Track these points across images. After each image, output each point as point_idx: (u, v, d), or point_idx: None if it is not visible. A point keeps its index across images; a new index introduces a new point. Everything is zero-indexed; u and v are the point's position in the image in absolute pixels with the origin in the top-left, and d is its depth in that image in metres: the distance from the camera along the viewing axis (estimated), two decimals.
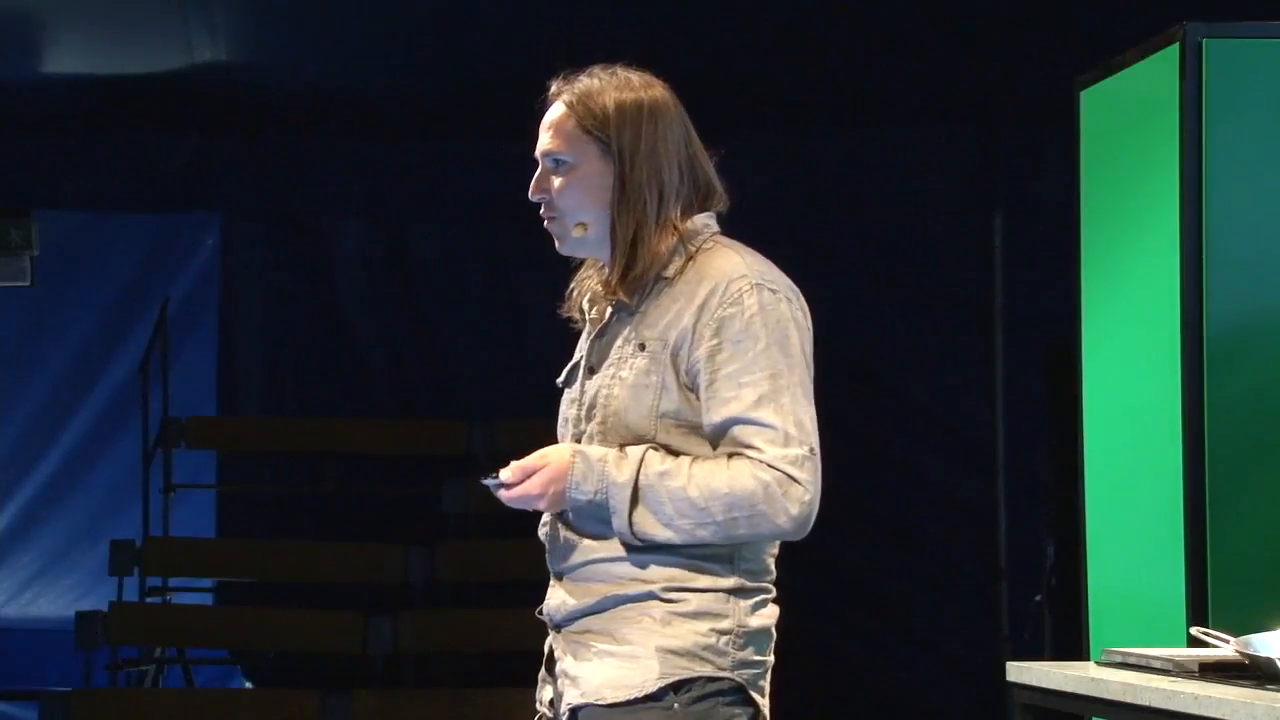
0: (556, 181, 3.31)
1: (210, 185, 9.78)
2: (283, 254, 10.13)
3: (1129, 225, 5.03)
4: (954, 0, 7.77)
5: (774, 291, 3.23)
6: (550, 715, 3.35)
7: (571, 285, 3.43)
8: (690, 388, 3.21)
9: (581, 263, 3.42)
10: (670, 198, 3.28)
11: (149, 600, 9.69)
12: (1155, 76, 4.84)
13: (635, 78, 3.34)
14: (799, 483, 3.15)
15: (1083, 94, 5.26)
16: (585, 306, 3.38)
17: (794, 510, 3.15)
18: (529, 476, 3.22)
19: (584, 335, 3.41)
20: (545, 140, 3.33)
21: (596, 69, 3.35)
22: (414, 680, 9.23)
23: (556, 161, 3.31)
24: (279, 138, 9.64)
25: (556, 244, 3.36)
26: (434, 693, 8.94)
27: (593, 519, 3.24)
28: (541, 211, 3.35)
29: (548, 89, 3.37)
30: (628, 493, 3.17)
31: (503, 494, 3.24)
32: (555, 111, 3.33)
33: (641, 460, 3.18)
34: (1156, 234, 4.81)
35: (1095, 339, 5.20)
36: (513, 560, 9.06)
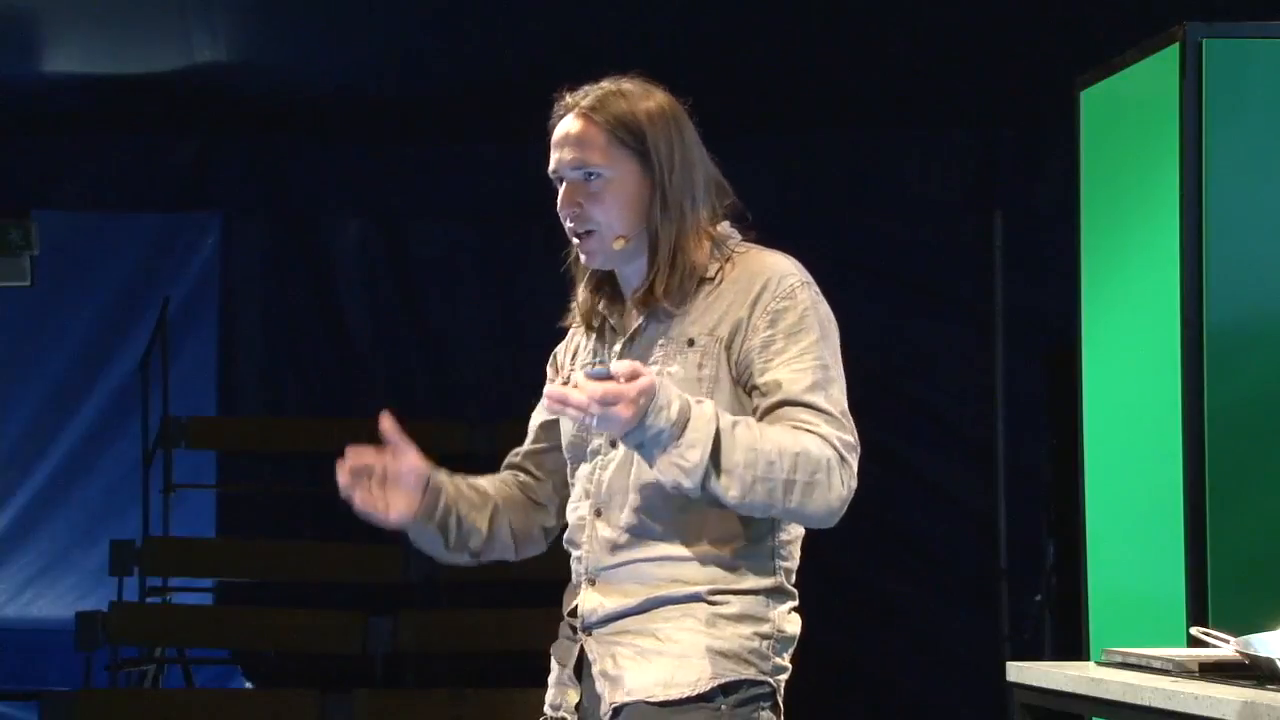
0: (592, 195, 3.26)
1: (210, 185, 9.78)
2: (283, 254, 10.13)
3: (1129, 225, 5.03)
4: (954, 1, 7.76)
5: (818, 293, 3.26)
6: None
7: (579, 293, 3.38)
8: (739, 381, 3.21)
9: (574, 273, 3.38)
10: (701, 203, 3.29)
11: (149, 600, 9.69)
12: (1155, 76, 4.84)
13: (638, 87, 3.31)
14: (849, 466, 3.16)
15: (1083, 94, 5.26)
16: (604, 310, 3.35)
17: (843, 491, 3.15)
18: (634, 379, 3.00)
19: (583, 345, 3.39)
20: (573, 154, 3.26)
21: (605, 81, 3.31)
22: (414, 680, 9.22)
23: (589, 175, 3.25)
24: (279, 138, 9.64)
25: (585, 258, 3.29)
26: (434, 693, 8.93)
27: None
28: (572, 226, 3.28)
29: (556, 101, 3.31)
30: (713, 427, 3.03)
31: (593, 388, 2.96)
32: (576, 125, 3.27)
33: (715, 409, 3.10)
34: (1156, 234, 4.82)
35: (1095, 339, 5.20)
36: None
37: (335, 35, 8.36)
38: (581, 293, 3.38)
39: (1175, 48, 4.73)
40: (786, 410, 3.14)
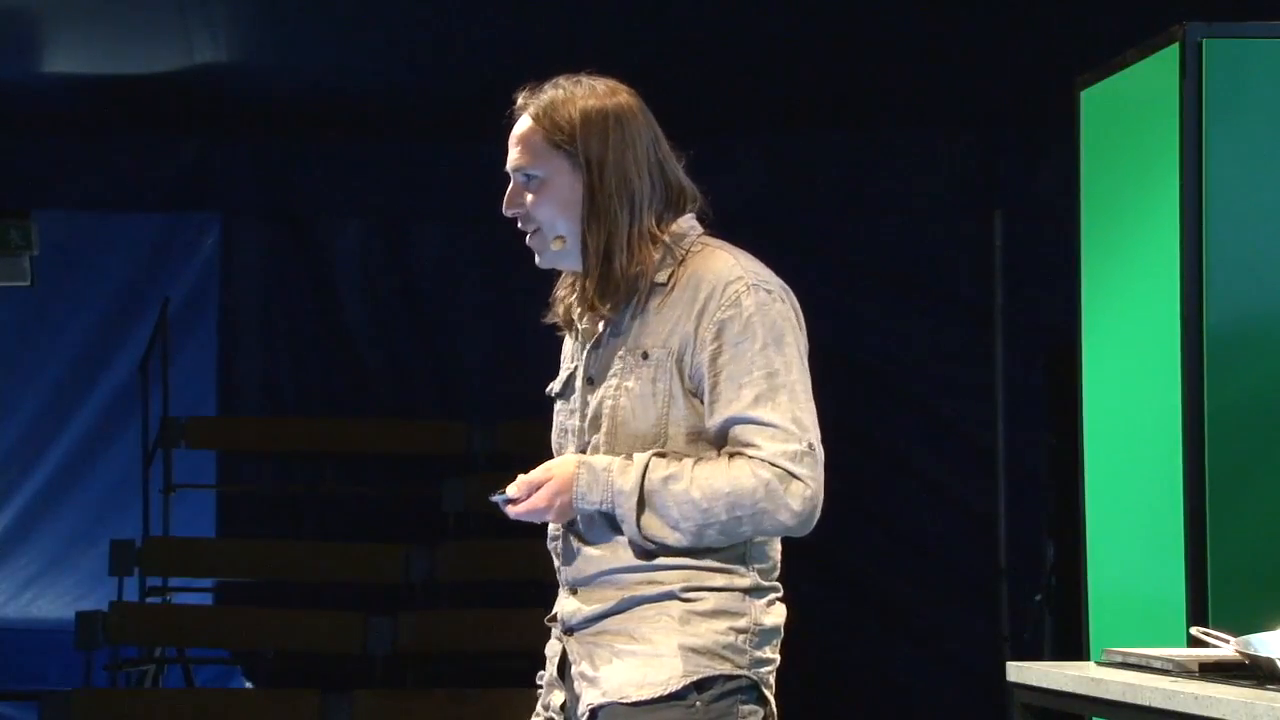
0: (530, 196, 3.30)
1: (210, 185, 9.78)
2: (283, 254, 10.13)
3: (1129, 225, 5.03)
4: (954, 1, 7.76)
5: (769, 291, 3.23)
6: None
7: (557, 291, 3.40)
8: (695, 394, 3.22)
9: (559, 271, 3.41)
10: (642, 205, 3.26)
11: (149, 600, 9.69)
12: (1155, 76, 4.84)
13: (600, 85, 3.31)
14: (799, 478, 3.16)
15: (1083, 94, 5.26)
16: (575, 316, 3.37)
17: (796, 506, 3.16)
18: (535, 490, 3.23)
19: (572, 344, 3.40)
20: (514, 155, 3.31)
21: (561, 79, 3.32)
22: (414, 680, 9.23)
23: (527, 177, 3.30)
24: (279, 138, 9.64)
25: (537, 258, 3.35)
26: (434, 693, 8.93)
27: (604, 530, 3.24)
28: (519, 226, 3.33)
29: (513, 101, 3.35)
30: (634, 500, 3.18)
31: (510, 510, 3.25)
32: (522, 125, 3.31)
33: (646, 466, 3.19)
34: (1156, 234, 4.81)
35: (1095, 339, 5.20)
36: (513, 560, 9.08)
37: (335, 35, 8.36)
38: (559, 290, 3.40)
39: (1175, 48, 4.73)
40: (734, 431, 3.19)
